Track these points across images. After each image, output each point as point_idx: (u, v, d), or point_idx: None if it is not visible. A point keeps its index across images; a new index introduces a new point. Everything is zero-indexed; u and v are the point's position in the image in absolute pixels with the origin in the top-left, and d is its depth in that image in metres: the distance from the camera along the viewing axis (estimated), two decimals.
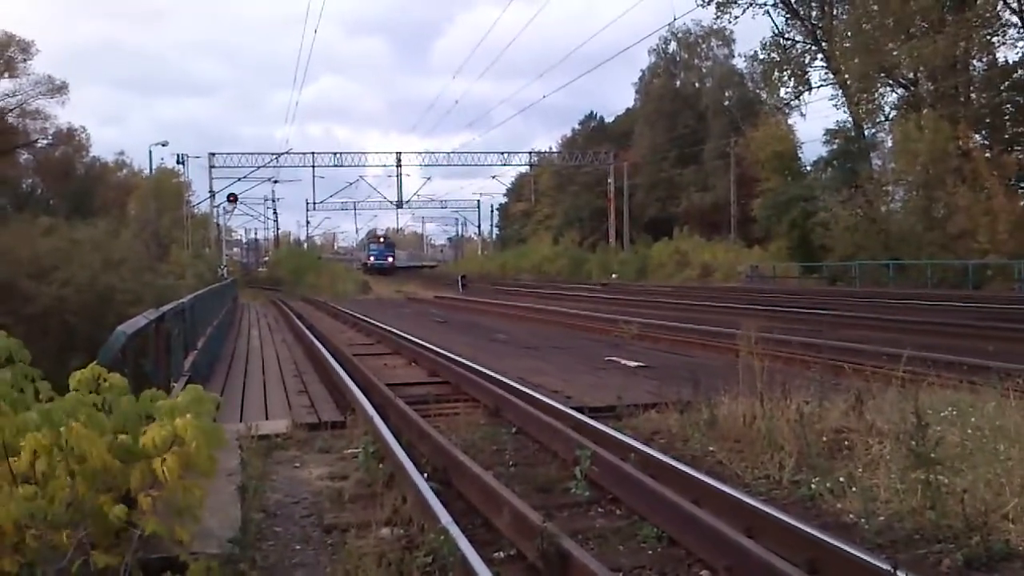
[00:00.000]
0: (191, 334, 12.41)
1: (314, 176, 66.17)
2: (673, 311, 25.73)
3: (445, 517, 4.81)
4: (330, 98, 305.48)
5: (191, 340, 12.28)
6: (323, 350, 14.64)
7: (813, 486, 5.80)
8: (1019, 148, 44.79)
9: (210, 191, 60.82)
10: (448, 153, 74.75)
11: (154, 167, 63.97)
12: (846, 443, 6.68)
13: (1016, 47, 43.37)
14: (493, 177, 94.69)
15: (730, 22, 56.06)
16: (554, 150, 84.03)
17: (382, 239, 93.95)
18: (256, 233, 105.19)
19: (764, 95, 60.21)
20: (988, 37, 43.01)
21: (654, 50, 74.06)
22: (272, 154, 62.99)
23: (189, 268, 40.69)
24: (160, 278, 27.94)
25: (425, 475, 5.94)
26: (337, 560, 4.67)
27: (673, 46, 74.26)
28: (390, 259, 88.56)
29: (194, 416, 3.43)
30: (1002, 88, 44.41)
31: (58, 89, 64.05)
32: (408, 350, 15.12)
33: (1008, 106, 45.00)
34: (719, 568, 4.33)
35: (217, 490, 4.75)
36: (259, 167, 62.11)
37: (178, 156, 61.35)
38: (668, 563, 4.69)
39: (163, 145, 58.20)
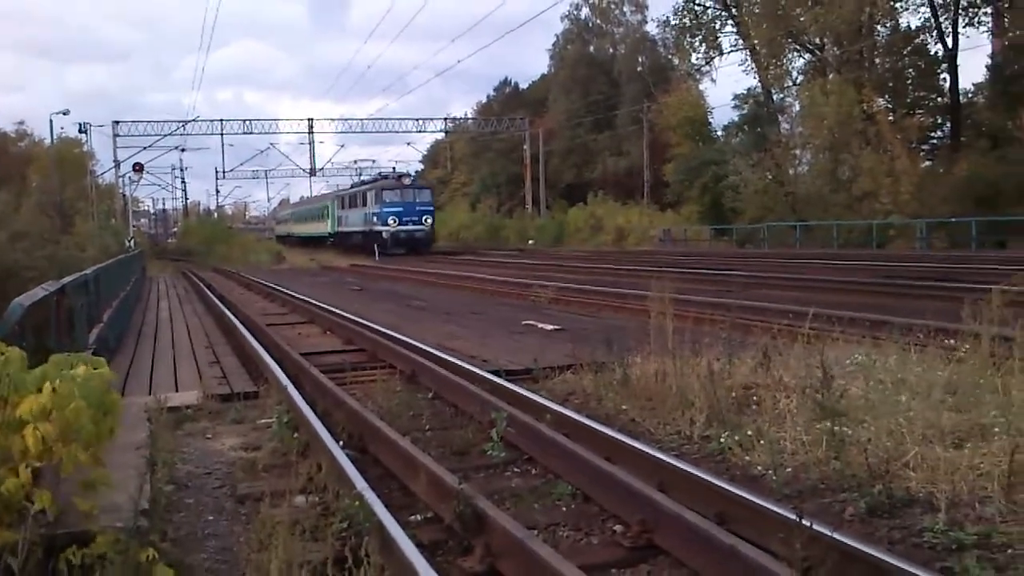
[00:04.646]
0: (96, 307, 12.02)
1: (223, 144, 64.03)
2: (589, 275, 25.96)
3: (361, 483, 4.76)
4: (244, 63, 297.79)
5: (96, 313, 11.90)
6: (235, 321, 14.34)
7: (723, 440, 5.93)
8: (921, 111, 46.33)
9: (115, 160, 59.05)
10: (362, 120, 69.18)
11: (56, 137, 61.77)
12: (754, 398, 6.84)
13: (918, 12, 44.51)
14: (408, 144, 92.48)
15: None
16: (470, 116, 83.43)
17: (408, 178, 52.73)
18: (164, 203, 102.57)
19: (676, 61, 60.91)
20: (891, 3, 44.15)
21: (567, 16, 74.23)
22: (179, 122, 61.37)
23: (94, 240, 39.44)
24: (64, 251, 27.02)
25: (341, 442, 5.89)
26: (251, 529, 4.60)
27: (585, 11, 74.53)
28: (429, 221, 50.20)
29: (68, 379, 3.31)
30: (905, 53, 45.74)
31: None
32: (323, 319, 14.93)
33: (910, 70, 46.46)
34: (632, 523, 4.39)
35: (125, 464, 4.64)
36: (166, 135, 60.66)
37: (80, 125, 59.33)
38: (582, 519, 4.75)
39: (64, 114, 56.82)
